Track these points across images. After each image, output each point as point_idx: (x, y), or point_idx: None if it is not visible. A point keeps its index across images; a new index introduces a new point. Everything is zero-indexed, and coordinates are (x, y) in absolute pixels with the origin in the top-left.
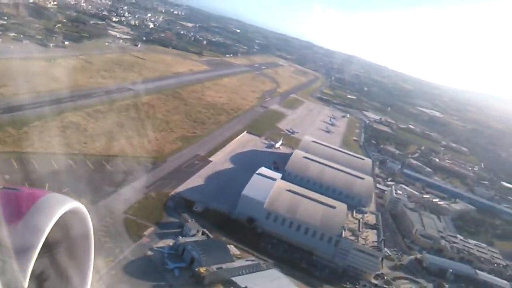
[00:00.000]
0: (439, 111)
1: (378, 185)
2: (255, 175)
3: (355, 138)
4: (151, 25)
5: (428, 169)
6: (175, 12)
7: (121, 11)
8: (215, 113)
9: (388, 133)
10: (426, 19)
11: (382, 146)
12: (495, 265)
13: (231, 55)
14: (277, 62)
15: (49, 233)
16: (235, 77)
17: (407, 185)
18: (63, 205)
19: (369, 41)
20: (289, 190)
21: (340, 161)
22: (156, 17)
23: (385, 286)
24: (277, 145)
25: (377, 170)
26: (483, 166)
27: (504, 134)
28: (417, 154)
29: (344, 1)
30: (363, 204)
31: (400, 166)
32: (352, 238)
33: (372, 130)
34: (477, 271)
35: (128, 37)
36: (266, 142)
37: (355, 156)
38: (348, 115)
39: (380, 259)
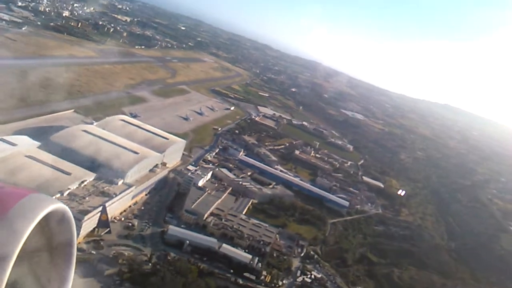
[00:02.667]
0: (366, 115)
1: (188, 168)
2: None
3: (215, 127)
4: (66, 14)
5: (273, 158)
6: (119, 6)
7: None
8: (54, 93)
9: (269, 126)
10: (395, 27)
11: (242, 136)
12: (257, 242)
13: (143, 47)
14: (201, 58)
15: (28, 236)
16: (122, 66)
17: (230, 170)
18: (45, 207)
19: (337, 49)
20: (28, 156)
21: (139, 139)
22: (85, 8)
23: (94, 250)
24: (95, 123)
25: (211, 156)
26: (361, 162)
27: (423, 139)
28: (282, 146)
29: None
30: (119, 176)
31: (240, 154)
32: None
33: (252, 123)
34: (224, 245)
35: (20, 20)
36: (88, 121)
37: (163, 137)
38: (232, 108)
39: (82, 222)
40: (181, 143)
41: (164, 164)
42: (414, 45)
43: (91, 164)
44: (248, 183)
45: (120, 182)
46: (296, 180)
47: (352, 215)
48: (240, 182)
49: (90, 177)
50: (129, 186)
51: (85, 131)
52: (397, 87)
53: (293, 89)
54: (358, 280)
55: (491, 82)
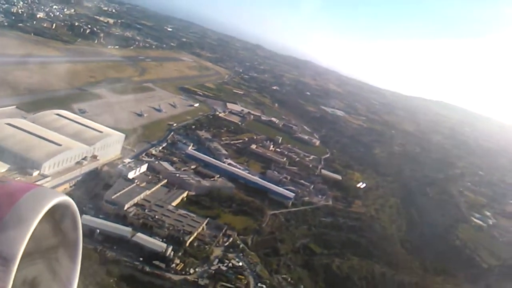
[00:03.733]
0: (347, 111)
1: (124, 161)
2: None
3: (171, 122)
4: (40, 15)
5: (223, 152)
6: (104, 8)
7: (14, 0)
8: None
9: (232, 122)
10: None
11: (196, 131)
12: (178, 231)
13: (117, 47)
14: (179, 57)
15: (33, 231)
16: (85, 64)
17: (173, 163)
18: (51, 199)
19: (332, 47)
20: None
21: (69, 132)
22: (65, 10)
23: None
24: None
25: (156, 150)
26: (325, 156)
27: (405, 135)
28: (240, 141)
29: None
30: (35, 167)
31: (189, 148)
32: None
33: (215, 119)
34: (138, 234)
35: None
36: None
37: (97, 130)
38: (197, 105)
39: None
40: (118, 136)
41: (94, 156)
42: (409, 43)
43: (6, 156)
44: (186, 175)
45: (35, 173)
46: (243, 172)
47: (298, 207)
48: (177, 175)
49: (3, 168)
50: (45, 177)
51: (9, 124)
52: (391, 85)
53: (275, 87)
54: (288, 268)
55: (488, 79)
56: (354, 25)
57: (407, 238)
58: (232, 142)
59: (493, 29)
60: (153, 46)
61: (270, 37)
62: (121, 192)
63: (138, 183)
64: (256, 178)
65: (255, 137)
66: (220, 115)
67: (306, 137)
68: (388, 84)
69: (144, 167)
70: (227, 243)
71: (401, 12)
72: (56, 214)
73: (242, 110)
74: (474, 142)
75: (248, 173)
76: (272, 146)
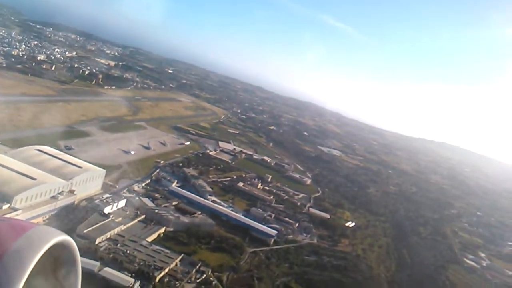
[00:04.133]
0: (344, 151)
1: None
2: None
3: (158, 160)
4: (41, 57)
5: (208, 189)
6: (107, 51)
7: (17, 43)
8: None
9: (222, 160)
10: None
11: (183, 168)
12: (148, 267)
13: (114, 87)
14: (176, 98)
15: (33, 268)
16: (79, 103)
17: (154, 199)
18: (51, 238)
19: (334, 90)
20: None
21: (48, 168)
22: (67, 52)
23: None
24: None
25: (140, 186)
26: (315, 195)
27: (401, 174)
28: (228, 179)
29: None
30: (5, 201)
31: (173, 184)
32: None
33: (205, 158)
34: (106, 268)
35: None
36: None
37: (77, 166)
38: (188, 143)
39: None
40: (98, 172)
41: (71, 191)
42: (413, 86)
43: None
44: (165, 211)
45: (5, 206)
46: (225, 209)
47: (280, 245)
48: (156, 211)
49: None
50: (15, 210)
51: None
52: (393, 126)
53: (271, 127)
54: None
55: (492, 120)
56: (359, 67)
57: (395, 279)
58: (219, 180)
59: (499, 74)
60: (151, 87)
61: (273, 79)
62: (94, 227)
63: (113, 218)
64: (238, 216)
65: (243, 175)
66: (210, 153)
67: (298, 175)
68: (390, 125)
69: (122, 203)
70: (200, 280)
71: (406, 55)
72: (56, 253)
73: (234, 149)
74: (474, 183)
75: (232, 210)
76: (260, 184)
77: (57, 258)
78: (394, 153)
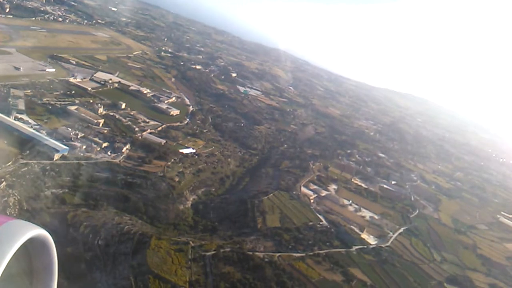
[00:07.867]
0: (268, 93)
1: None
2: None
3: None
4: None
5: (21, 107)
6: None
7: None
8: None
9: (81, 87)
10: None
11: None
12: None
13: (11, 16)
14: (91, 32)
15: (8, 262)
16: None
17: None
18: (25, 232)
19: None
20: None
21: None
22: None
23: None
24: None
25: None
26: (170, 124)
27: (320, 116)
28: (67, 103)
29: None
30: None
31: None
32: None
33: (61, 84)
34: None
35: None
36: None
37: None
38: (51, 70)
39: None
40: None
41: None
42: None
43: None
44: None
45: None
46: (20, 125)
47: (69, 160)
48: None
49: None
50: None
51: None
52: (362, 76)
53: (195, 66)
54: None
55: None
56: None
57: (199, 201)
58: (53, 103)
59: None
60: (67, 21)
61: (247, 25)
62: None
63: None
64: (30, 131)
65: (91, 101)
66: (71, 80)
67: (165, 107)
68: (361, 76)
69: None
70: None
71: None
72: (32, 246)
73: (111, 79)
74: (414, 131)
75: (31, 127)
76: (101, 109)
77: (32, 253)
78: (335, 99)
